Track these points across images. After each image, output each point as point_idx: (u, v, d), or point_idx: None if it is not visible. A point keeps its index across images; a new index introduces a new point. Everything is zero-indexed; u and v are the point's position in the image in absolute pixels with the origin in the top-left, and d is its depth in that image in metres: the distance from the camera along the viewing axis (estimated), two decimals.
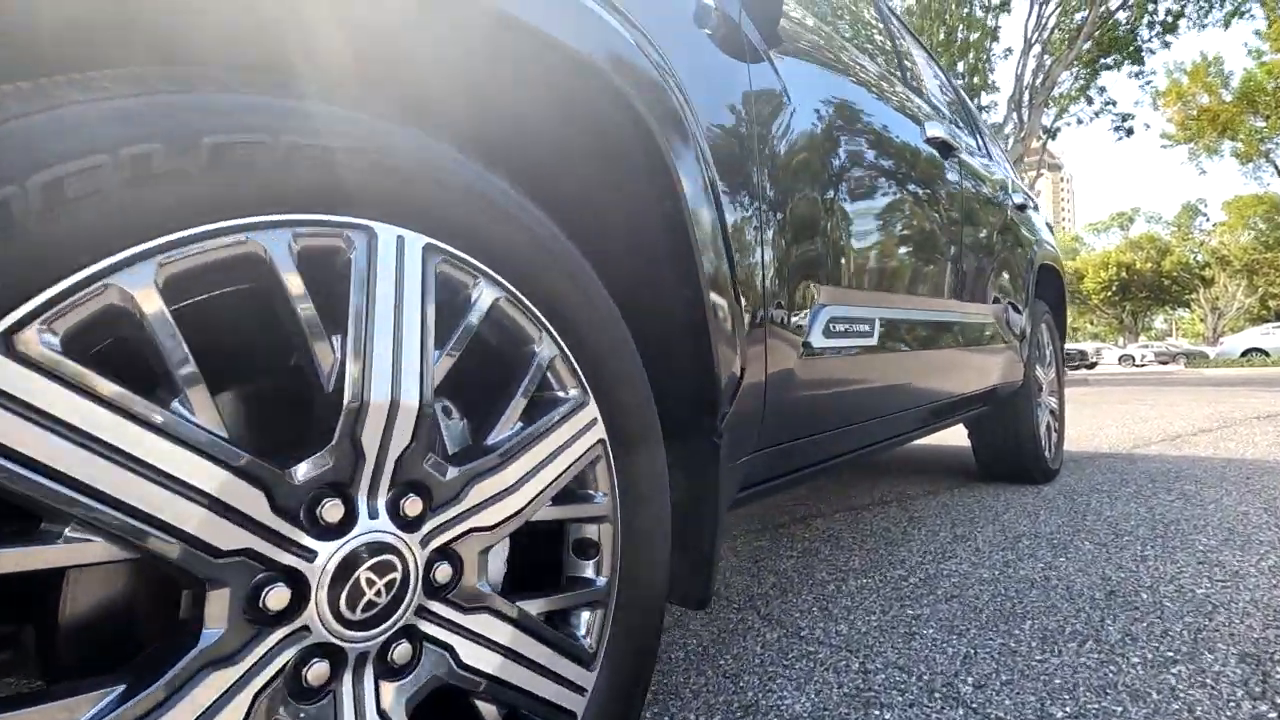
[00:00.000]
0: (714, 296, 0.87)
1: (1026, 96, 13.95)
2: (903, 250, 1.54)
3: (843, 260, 1.29)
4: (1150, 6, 13.71)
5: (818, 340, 1.18)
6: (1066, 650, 1.23)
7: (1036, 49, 13.82)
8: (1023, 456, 2.64)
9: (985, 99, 14.92)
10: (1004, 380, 2.36)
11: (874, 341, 1.38)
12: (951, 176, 1.84)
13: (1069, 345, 27.40)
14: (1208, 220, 46.78)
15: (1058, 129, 15.23)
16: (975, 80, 14.02)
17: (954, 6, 13.52)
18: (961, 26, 13.79)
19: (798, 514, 2.39)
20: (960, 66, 13.96)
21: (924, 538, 2.01)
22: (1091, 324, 64.31)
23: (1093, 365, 27.25)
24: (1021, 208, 2.62)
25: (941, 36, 13.67)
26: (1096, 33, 13.50)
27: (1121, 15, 13.76)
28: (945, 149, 1.80)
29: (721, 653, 1.28)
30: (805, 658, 1.24)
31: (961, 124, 2.54)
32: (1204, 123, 20.98)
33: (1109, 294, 48.23)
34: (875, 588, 1.59)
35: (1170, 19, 13.81)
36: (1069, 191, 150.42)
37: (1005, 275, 2.31)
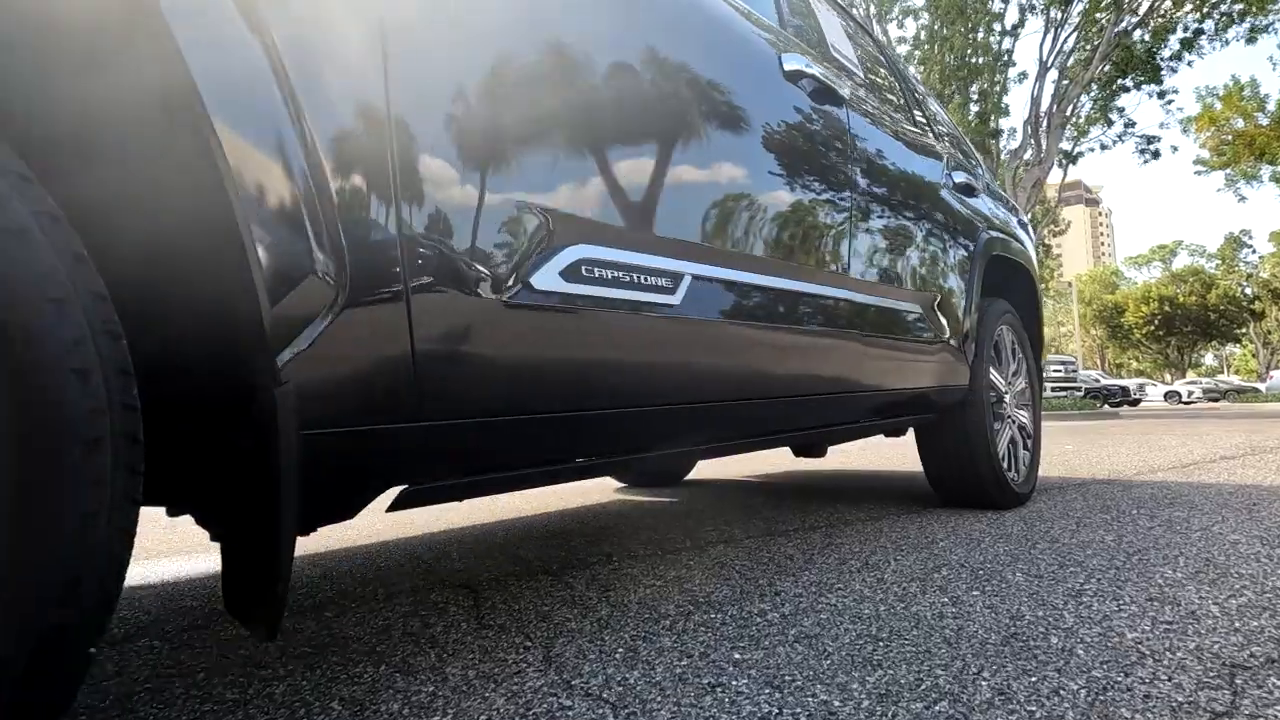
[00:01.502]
0: (249, 175, 0.60)
1: (1045, 123, 13.53)
2: (738, 196, 1.25)
3: (617, 188, 1.01)
4: (1175, 16, 13.18)
5: (549, 283, 0.89)
6: (905, 712, 0.88)
7: (1053, 73, 13.45)
8: (979, 477, 2.27)
9: (1002, 124, 14.52)
10: (939, 384, 2.01)
11: (676, 301, 1.08)
12: (832, 126, 1.54)
13: (1109, 381, 26.13)
14: (1253, 252, 45.08)
15: (1079, 154, 14.69)
16: (987, 105, 13.64)
17: (962, 31, 13.23)
18: (971, 51, 13.45)
19: (703, 538, 2.05)
20: (973, 91, 13.61)
21: (827, 567, 1.66)
22: (1136, 360, 61.93)
23: (1136, 402, 25.89)
24: (967, 190, 2.30)
25: (952, 63, 13.39)
26: (1113, 53, 13.05)
27: (1138, 34, 13.30)
28: (824, 95, 1.51)
29: (448, 706, 0.96)
30: (548, 716, 0.92)
31: (898, 96, 2.26)
32: (1240, 147, 20.11)
33: (1152, 329, 46.53)
34: (718, 625, 1.26)
35: (1190, 34, 13.29)
36: (1107, 225, 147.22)
37: (936, 260, 1.98)
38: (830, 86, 1.52)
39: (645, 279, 1.03)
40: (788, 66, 1.40)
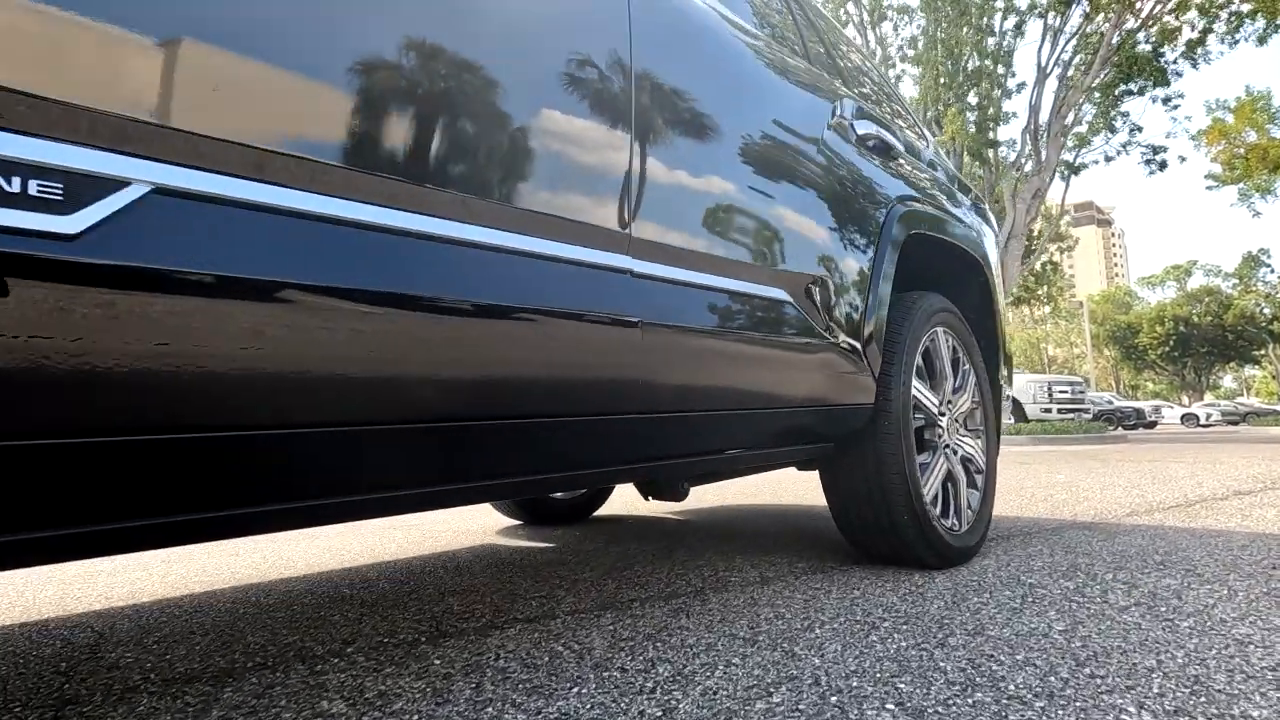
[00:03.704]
0: None
1: (1045, 132, 12.95)
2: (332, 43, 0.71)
3: None
4: (1174, 23, 12.58)
5: None
6: None
7: (1052, 80, 12.88)
8: (897, 528, 1.69)
9: (1002, 133, 13.95)
10: (825, 401, 1.45)
11: (71, 230, 0.54)
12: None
13: (1123, 404, 25.11)
14: (1271, 271, 44.03)
15: (1082, 165, 14.05)
16: (984, 113, 13.05)
17: (963, 32, 12.67)
18: (970, 53, 12.87)
19: (511, 611, 1.49)
20: (971, 98, 13.03)
21: (618, 676, 1.10)
22: (1152, 382, 60.50)
23: (1152, 425, 24.83)
24: (879, 148, 1.76)
25: (950, 68, 12.85)
26: (1115, 57, 12.44)
27: (1142, 35, 12.69)
28: None
29: None
30: None
31: (793, 32, 1.73)
32: (1253, 161, 19.37)
33: (1167, 349, 45.50)
34: None
35: (1198, 34, 12.66)
36: (1120, 246, 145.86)
37: (810, 228, 1.43)
38: None
39: None
40: None
